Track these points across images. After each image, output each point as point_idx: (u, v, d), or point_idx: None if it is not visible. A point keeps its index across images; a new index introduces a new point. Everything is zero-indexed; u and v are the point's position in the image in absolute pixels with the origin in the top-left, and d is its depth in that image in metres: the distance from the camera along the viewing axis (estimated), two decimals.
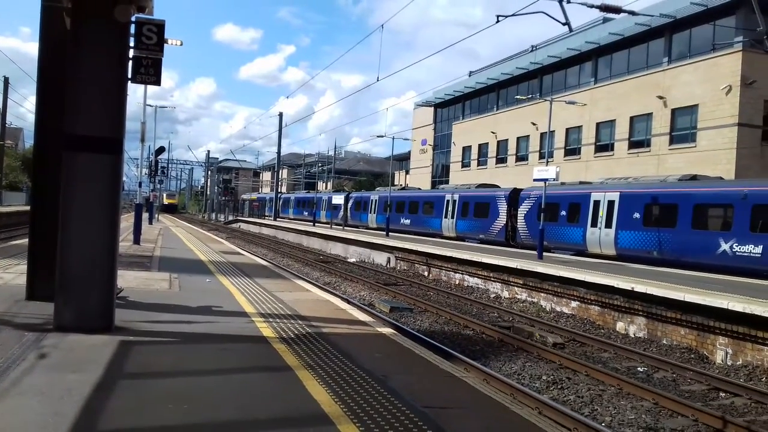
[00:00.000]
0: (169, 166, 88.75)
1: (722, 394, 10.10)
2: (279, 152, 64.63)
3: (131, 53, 7.69)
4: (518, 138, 43.76)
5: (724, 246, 19.13)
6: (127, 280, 11.29)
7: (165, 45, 8.09)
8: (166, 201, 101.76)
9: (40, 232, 8.66)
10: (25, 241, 11.59)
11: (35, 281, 8.59)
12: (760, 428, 8.20)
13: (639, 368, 11.48)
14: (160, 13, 8.11)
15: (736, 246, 18.76)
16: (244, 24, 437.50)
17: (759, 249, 18.12)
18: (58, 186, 7.18)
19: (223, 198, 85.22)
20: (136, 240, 22.16)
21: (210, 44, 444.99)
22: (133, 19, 7.54)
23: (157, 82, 8.15)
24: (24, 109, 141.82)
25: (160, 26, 7.82)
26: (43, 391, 4.96)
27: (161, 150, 36.14)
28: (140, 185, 30.74)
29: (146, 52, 7.83)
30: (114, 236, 7.36)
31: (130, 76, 7.71)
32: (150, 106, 39.58)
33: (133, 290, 10.42)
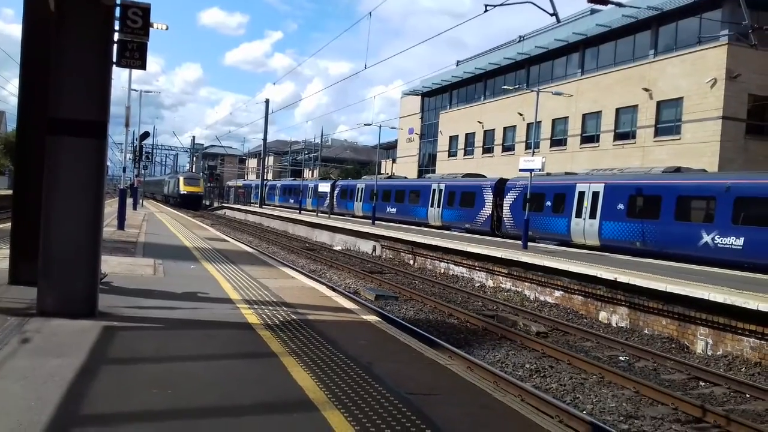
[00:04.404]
0: (154, 151, 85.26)
1: (702, 384, 10.24)
2: (265, 139, 64.30)
3: (116, 37, 7.60)
4: (505, 128, 43.84)
5: (707, 238, 19.33)
6: (111, 265, 11.21)
7: (150, 29, 8.01)
8: (184, 189, 67.50)
9: (23, 217, 8.58)
10: (7, 225, 11.48)
11: (18, 266, 8.52)
12: (739, 417, 8.33)
13: (621, 357, 11.61)
14: None
15: (718, 238, 18.96)
16: (231, 9, 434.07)
17: (740, 241, 18.33)
18: (41, 170, 7.11)
19: (209, 185, 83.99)
20: (121, 225, 22.00)
21: (196, 29, 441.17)
22: (118, 1, 7.46)
23: (142, 66, 8.08)
24: (6, 92, 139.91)
25: (145, 9, 7.73)
26: (25, 375, 4.93)
27: (146, 135, 35.90)
28: (124, 170, 30.53)
29: (131, 36, 7.75)
30: (98, 221, 7.31)
31: (114, 59, 7.63)
32: (135, 90, 39.21)
33: (117, 276, 10.36)
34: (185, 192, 67.21)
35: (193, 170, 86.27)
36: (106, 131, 7.30)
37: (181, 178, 69.58)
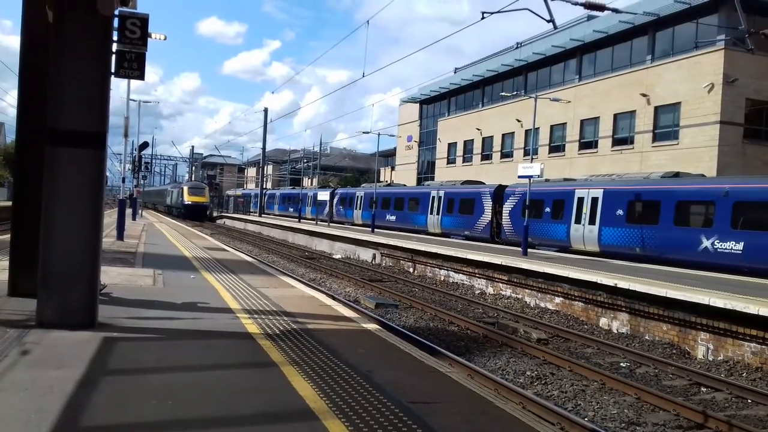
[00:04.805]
0: (153, 161, 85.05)
1: (703, 389, 10.22)
2: (264, 148, 64.31)
3: (114, 47, 7.62)
4: (503, 135, 43.92)
5: (706, 243, 19.33)
6: (110, 276, 11.20)
7: (149, 39, 8.04)
8: (188, 199, 63.78)
9: (22, 228, 8.57)
10: (6, 236, 11.47)
11: (17, 277, 8.51)
12: (741, 423, 8.31)
13: (622, 363, 11.59)
14: (143, 6, 8.08)
15: (718, 243, 18.96)
16: (229, 18, 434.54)
17: (740, 246, 18.33)
18: (40, 181, 7.11)
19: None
20: (120, 236, 22.00)
21: (194, 38, 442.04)
22: (116, 12, 7.48)
23: (141, 77, 8.09)
24: (5, 103, 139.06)
25: (143, 20, 7.77)
26: (25, 387, 4.92)
27: (145, 145, 35.93)
28: (123, 181, 30.55)
29: (129, 46, 7.77)
30: (97, 232, 7.31)
31: (113, 70, 7.65)
32: (133, 100, 39.24)
33: (117, 286, 10.35)
34: (189, 202, 63.40)
35: (193, 179, 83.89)
36: (105, 142, 7.31)
37: (185, 188, 65.63)
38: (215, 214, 73.80)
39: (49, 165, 7.00)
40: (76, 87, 7.07)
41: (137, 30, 7.72)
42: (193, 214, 61.22)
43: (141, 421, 4.43)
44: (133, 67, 7.96)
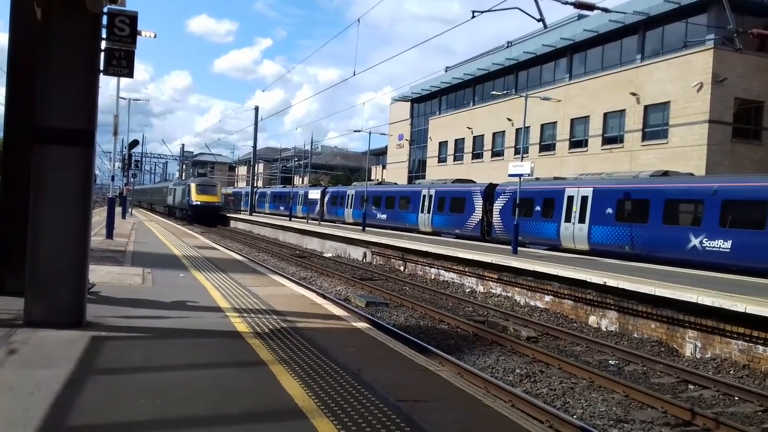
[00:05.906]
0: (143, 159, 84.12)
1: (691, 387, 10.29)
2: (255, 146, 64.13)
3: (103, 45, 7.58)
4: (494, 133, 44.01)
5: (695, 241, 19.44)
6: (99, 275, 11.15)
7: (138, 37, 8.00)
8: (196, 198, 53.28)
9: (9, 226, 8.50)
10: None
11: (4, 275, 8.43)
12: (728, 420, 8.37)
13: (610, 361, 11.65)
14: (132, 3, 8.04)
15: (706, 241, 19.08)
16: (219, 16, 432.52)
17: (728, 244, 18.45)
18: (28, 179, 7.07)
19: None
20: (109, 234, 21.89)
21: (184, 36, 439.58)
22: (105, 9, 7.44)
23: (130, 75, 8.05)
24: None
25: (132, 17, 7.72)
26: (12, 386, 4.89)
27: (135, 143, 35.88)
28: (113, 179, 30.42)
29: (119, 44, 7.71)
30: (85, 230, 7.27)
31: (102, 68, 7.61)
32: (123, 98, 38.93)
33: (106, 285, 10.30)
34: (198, 203, 52.90)
35: (183, 178, 78.87)
36: (93, 140, 7.27)
37: (193, 185, 54.85)
38: None
39: (36, 163, 6.96)
40: (65, 85, 7.03)
41: (126, 27, 7.67)
42: (203, 217, 52.07)
43: (129, 421, 4.41)
44: (122, 64, 7.91)
